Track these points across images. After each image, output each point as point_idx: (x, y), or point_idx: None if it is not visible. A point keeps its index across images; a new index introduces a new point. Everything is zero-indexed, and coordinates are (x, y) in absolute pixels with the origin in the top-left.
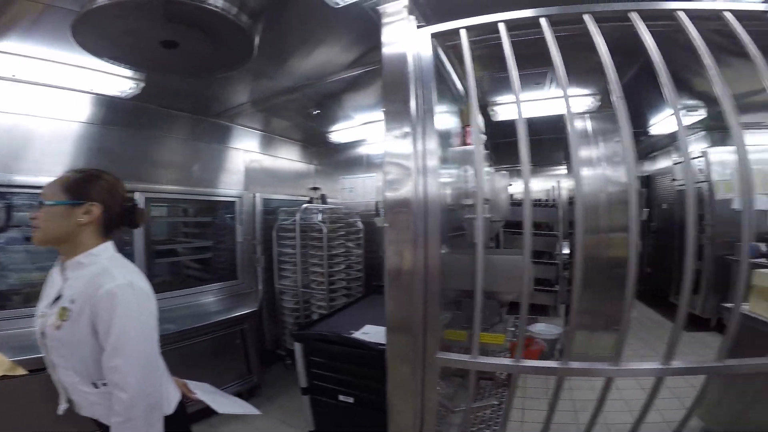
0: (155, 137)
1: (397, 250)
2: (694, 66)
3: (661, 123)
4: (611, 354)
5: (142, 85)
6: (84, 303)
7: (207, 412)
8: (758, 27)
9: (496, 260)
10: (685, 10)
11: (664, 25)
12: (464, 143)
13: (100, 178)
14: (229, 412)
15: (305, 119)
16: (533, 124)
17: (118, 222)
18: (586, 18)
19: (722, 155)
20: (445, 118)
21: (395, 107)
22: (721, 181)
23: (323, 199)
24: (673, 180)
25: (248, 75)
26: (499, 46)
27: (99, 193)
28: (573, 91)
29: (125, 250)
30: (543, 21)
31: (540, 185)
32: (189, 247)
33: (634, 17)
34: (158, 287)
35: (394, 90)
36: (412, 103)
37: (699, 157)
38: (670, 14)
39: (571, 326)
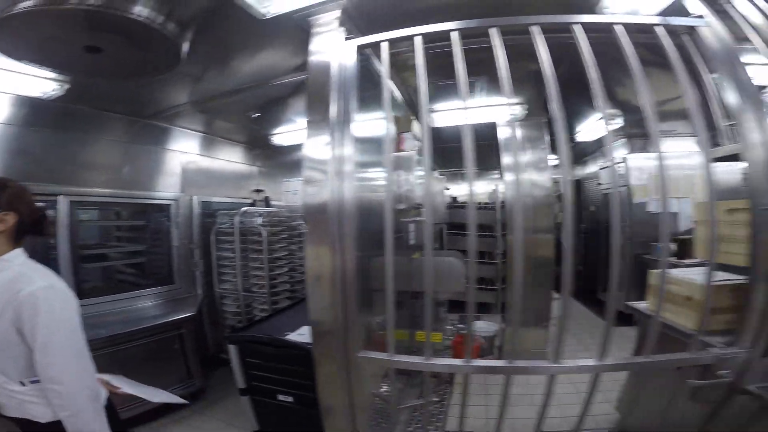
0: (84, 139)
1: (316, 253)
2: (618, 76)
3: (587, 130)
4: (542, 349)
5: (67, 86)
6: (4, 307)
7: (150, 416)
8: (650, 40)
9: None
10: (581, 23)
11: (563, 36)
12: (399, 149)
13: (6, 186)
14: (160, 400)
15: (247, 122)
16: (475, 131)
17: (28, 229)
18: (492, 32)
19: (641, 161)
20: (381, 125)
21: (317, 114)
22: (637, 185)
23: (267, 201)
24: (599, 184)
25: (185, 78)
26: (437, 55)
27: (10, 202)
28: (501, 99)
29: (49, 254)
30: (454, 35)
31: (482, 188)
32: (122, 251)
33: (534, 30)
34: (88, 292)
35: (317, 98)
36: (333, 111)
37: (620, 162)
38: (567, 27)
39: (467, 326)
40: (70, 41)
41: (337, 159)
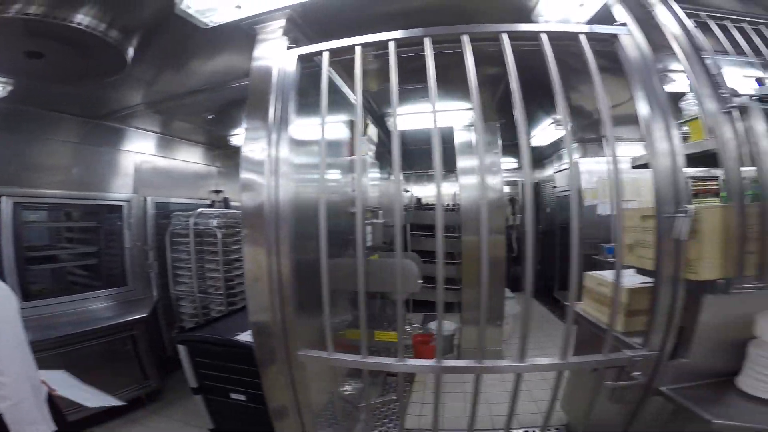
0: (31, 140)
1: (253, 255)
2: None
3: (542, 134)
4: (496, 348)
5: (9, 88)
6: None
7: (104, 417)
8: (606, 48)
9: (382, 263)
10: (507, 32)
11: (494, 44)
12: (352, 153)
13: None
14: (97, 405)
15: (203, 122)
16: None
17: None
18: (426, 42)
19: (591, 165)
20: (339, 130)
21: (256, 120)
22: (587, 188)
23: (226, 202)
24: (554, 187)
25: (137, 81)
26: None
27: None
28: (457, 104)
29: None
30: (391, 44)
31: (447, 190)
32: (72, 252)
33: (465, 39)
34: (35, 294)
35: (257, 105)
36: (271, 116)
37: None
38: (496, 36)
39: (399, 326)
40: (10, 46)
41: (273, 162)
